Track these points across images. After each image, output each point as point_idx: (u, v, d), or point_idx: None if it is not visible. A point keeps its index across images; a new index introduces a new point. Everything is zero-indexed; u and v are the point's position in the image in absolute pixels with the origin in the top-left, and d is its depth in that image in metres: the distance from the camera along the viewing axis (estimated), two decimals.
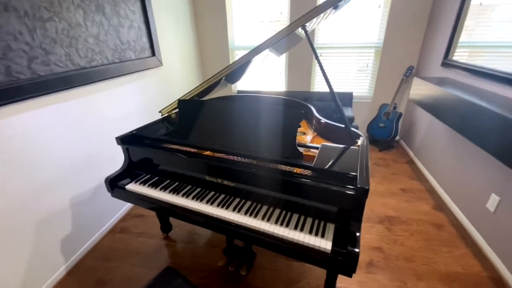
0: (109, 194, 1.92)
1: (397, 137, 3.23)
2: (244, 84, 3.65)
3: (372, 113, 3.31)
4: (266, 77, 3.54)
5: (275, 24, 3.15)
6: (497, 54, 1.88)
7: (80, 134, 1.69)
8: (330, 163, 1.12)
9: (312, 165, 1.09)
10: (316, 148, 1.32)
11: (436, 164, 2.46)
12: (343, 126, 1.53)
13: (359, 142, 1.33)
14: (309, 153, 1.30)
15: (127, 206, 2.21)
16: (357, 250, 0.92)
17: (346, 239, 1.00)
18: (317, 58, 1.33)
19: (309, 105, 1.92)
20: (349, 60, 3.16)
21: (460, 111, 1.69)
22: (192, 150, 1.37)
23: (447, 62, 2.35)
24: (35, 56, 1.38)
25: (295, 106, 2.05)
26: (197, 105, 1.43)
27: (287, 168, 1.14)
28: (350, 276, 0.96)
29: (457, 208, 2.07)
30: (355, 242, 0.95)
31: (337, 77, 3.27)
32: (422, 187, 2.46)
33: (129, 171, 1.52)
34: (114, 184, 1.44)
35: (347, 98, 3.15)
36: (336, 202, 1.04)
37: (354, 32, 3.00)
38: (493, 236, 1.67)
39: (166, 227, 1.91)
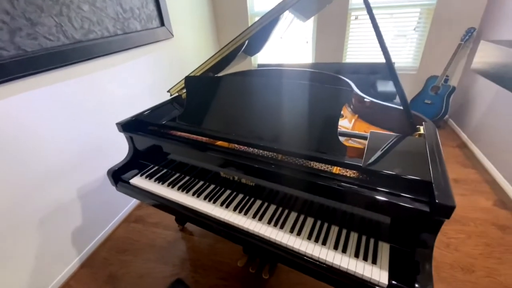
0: None
1: (446, 116, 2.75)
2: (265, 56, 3.27)
3: (416, 88, 2.81)
4: (290, 48, 3.12)
5: None
6: None
7: (83, 118, 1.51)
8: (387, 162, 0.81)
9: (361, 165, 0.79)
10: (362, 137, 1.00)
11: (498, 150, 2.01)
12: (394, 106, 1.18)
13: (422, 130, 0.99)
14: (354, 145, 0.99)
15: None
16: None
17: (406, 268, 0.73)
18: (372, 18, 0.96)
19: (347, 80, 1.56)
20: (393, 23, 2.63)
21: None
22: (204, 139, 1.12)
23: None
24: (18, 27, 1.16)
25: (332, 82, 1.68)
26: (209, 83, 1.15)
27: (326, 167, 0.85)
28: None
29: None
30: (427, 276, 0.67)
31: (376, 44, 2.77)
32: (480, 177, 2.05)
33: (135, 161, 1.33)
34: (118, 177, 1.26)
35: (386, 70, 2.67)
36: (399, 219, 0.75)
37: None
38: None
39: (182, 219, 1.76)
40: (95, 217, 1.66)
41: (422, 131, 0.99)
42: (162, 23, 2.10)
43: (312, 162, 0.88)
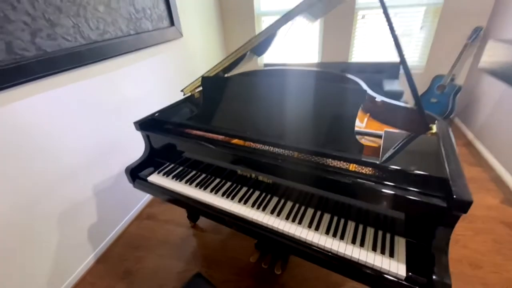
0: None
1: (452, 115, 2.76)
2: (271, 56, 3.29)
3: (422, 87, 2.83)
4: (296, 47, 3.14)
5: None
6: None
7: (97, 117, 1.54)
8: (403, 159, 0.84)
9: (378, 162, 0.82)
10: (376, 135, 1.03)
11: (505, 148, 2.03)
12: (406, 105, 1.20)
13: (435, 128, 1.02)
14: (368, 143, 1.02)
15: None
16: (449, 282, 0.68)
17: (422, 261, 0.76)
18: (387, 17, 0.98)
19: (358, 80, 1.58)
20: (398, 22, 2.64)
21: None
22: (220, 137, 1.15)
23: None
24: (39, 28, 1.19)
25: (343, 81, 1.70)
26: (225, 83, 1.18)
27: (343, 164, 0.88)
28: None
29: None
30: (444, 268, 0.70)
31: (382, 44, 2.79)
32: (486, 175, 2.07)
33: (151, 159, 1.36)
34: (135, 174, 1.29)
35: (393, 69, 2.69)
36: (416, 214, 0.78)
37: None
38: None
39: (193, 216, 1.79)
40: (109, 214, 1.70)
41: (434, 130, 1.01)
42: (172, 23, 2.12)
43: (329, 160, 0.91)
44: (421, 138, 0.96)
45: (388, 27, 0.97)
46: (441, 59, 2.65)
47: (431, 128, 1.02)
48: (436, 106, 2.67)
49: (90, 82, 1.48)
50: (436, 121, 1.05)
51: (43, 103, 1.24)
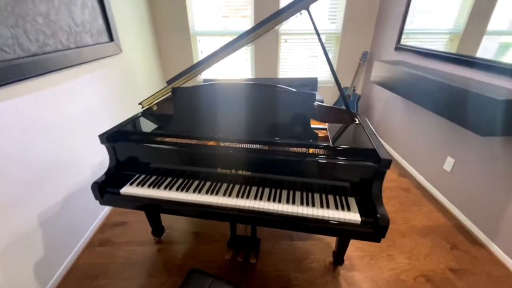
0: (79, 204, 1.67)
1: None
2: (208, 72, 3.48)
3: (334, 96, 3.56)
4: (231, 65, 3.44)
5: (242, 11, 3.05)
6: (431, 38, 2.25)
7: (38, 137, 1.38)
8: (345, 141, 1.17)
9: (333, 145, 1.12)
10: (323, 129, 1.36)
11: (394, 136, 2.81)
12: (336, 107, 1.61)
13: (357, 120, 1.42)
14: (320, 134, 1.34)
15: (101, 215, 1.93)
16: (386, 216, 1.00)
17: (368, 209, 1.08)
18: (320, 41, 1.33)
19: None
20: (306, 46, 3.27)
21: (415, 85, 2.01)
22: (202, 142, 1.26)
23: (399, 47, 2.65)
24: None
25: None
26: (195, 92, 1.31)
27: (310, 150, 1.15)
28: (379, 241, 1.05)
29: (417, 173, 2.42)
30: (383, 209, 1.03)
31: (302, 62, 3.39)
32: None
33: (118, 173, 1.32)
34: (104, 189, 1.24)
35: (313, 83, 3.30)
36: (359, 176, 1.11)
37: (320, 21, 3.12)
38: (451, 192, 2.02)
39: (158, 231, 1.75)
40: (54, 246, 1.48)
41: (357, 121, 1.42)
42: (112, 39, 2.07)
43: (294, 148, 1.17)
44: (351, 127, 1.34)
45: (323, 51, 1.32)
46: (344, 75, 3.43)
47: (356, 120, 1.43)
48: None
49: (31, 98, 1.33)
50: (357, 116, 1.46)
51: None
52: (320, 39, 1.33)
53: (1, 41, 1.16)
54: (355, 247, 1.70)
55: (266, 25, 1.28)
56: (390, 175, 2.49)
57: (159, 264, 1.60)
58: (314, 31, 1.31)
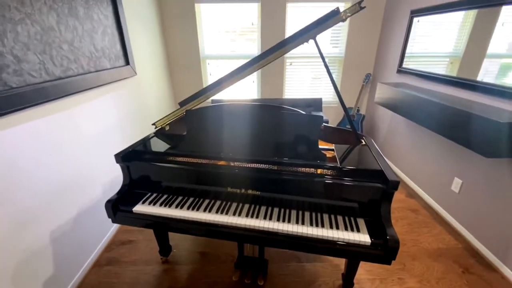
0: (89, 222, 1.69)
1: None
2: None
3: (338, 116, 3.62)
4: (238, 86, 3.55)
5: (248, 34, 3.22)
6: (432, 61, 2.33)
7: (55, 155, 1.44)
8: (352, 162, 1.20)
9: (340, 166, 1.16)
10: (330, 149, 1.40)
11: (400, 156, 2.82)
12: (342, 128, 1.65)
13: (363, 141, 1.46)
14: (328, 155, 1.37)
15: (109, 234, 1.94)
16: (396, 237, 1.01)
17: (378, 231, 1.09)
18: (326, 66, 1.41)
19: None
20: (310, 69, 3.40)
21: (417, 106, 2.07)
22: (215, 162, 1.30)
23: (401, 70, 2.74)
24: (6, 64, 1.14)
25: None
26: (207, 114, 1.37)
27: (319, 170, 1.18)
28: (390, 263, 1.04)
29: (425, 194, 2.40)
30: (392, 231, 1.04)
31: (307, 84, 3.50)
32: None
33: (130, 192, 1.36)
34: (117, 207, 1.27)
35: (317, 103, 3.38)
36: (367, 197, 1.12)
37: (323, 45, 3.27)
38: (460, 213, 2.00)
39: (165, 250, 1.74)
40: (62, 264, 1.49)
41: (364, 142, 1.46)
42: (127, 62, 2.19)
43: (302, 168, 1.20)
44: (357, 148, 1.37)
45: (328, 74, 1.39)
46: (348, 95, 3.51)
47: (362, 142, 1.47)
48: None
49: (52, 119, 1.41)
50: (363, 137, 1.50)
51: (4, 141, 1.13)
52: (326, 65, 1.41)
53: (29, 66, 1.26)
54: (364, 270, 1.67)
55: (274, 53, 1.37)
56: (398, 195, 2.48)
57: (165, 284, 1.58)
58: (318, 54, 1.38)
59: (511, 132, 1.37)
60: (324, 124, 1.73)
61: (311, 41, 1.37)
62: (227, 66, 3.39)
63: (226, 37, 3.23)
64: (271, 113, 1.31)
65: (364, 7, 1.28)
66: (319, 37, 1.36)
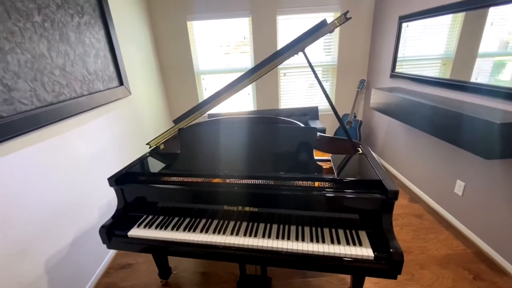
0: (86, 247, 1.65)
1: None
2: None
3: (335, 124, 3.62)
4: (234, 98, 3.57)
5: (241, 47, 3.26)
6: (425, 64, 2.34)
7: (50, 182, 1.42)
8: (350, 173, 1.17)
9: (337, 177, 1.13)
10: (326, 160, 1.37)
11: (400, 160, 2.79)
12: (339, 137, 1.63)
13: (361, 150, 1.44)
14: (324, 166, 1.35)
15: (107, 258, 1.89)
16: (400, 250, 0.97)
17: (381, 243, 1.05)
18: (317, 77, 1.41)
19: (297, 122, 2.00)
20: (305, 77, 3.42)
21: (413, 110, 2.06)
22: (208, 180, 1.27)
23: (394, 74, 2.75)
24: None
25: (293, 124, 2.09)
26: (200, 131, 1.35)
27: (316, 183, 1.15)
28: (395, 277, 1.00)
29: (428, 198, 2.36)
30: (396, 243, 1.00)
31: (302, 92, 3.51)
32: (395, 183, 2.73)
33: (125, 215, 1.33)
34: (112, 233, 1.23)
35: (313, 112, 3.38)
36: (367, 209, 1.09)
37: (314, 54, 3.30)
38: (466, 216, 1.95)
39: (165, 272, 1.69)
40: None
41: (361, 151, 1.43)
42: (121, 83, 2.21)
43: (299, 182, 1.17)
44: (354, 157, 1.35)
45: (319, 85, 1.39)
46: (344, 102, 3.52)
47: (359, 150, 1.44)
48: None
49: (45, 144, 1.40)
50: (360, 145, 1.48)
51: None
52: (316, 75, 1.40)
53: (20, 94, 1.26)
54: (372, 282, 1.61)
55: (268, 64, 1.37)
56: (401, 201, 2.43)
57: None
58: (305, 64, 1.38)
59: (508, 132, 1.35)
60: (320, 134, 1.72)
61: (301, 53, 1.38)
62: (222, 80, 3.41)
63: (220, 52, 3.27)
64: (263, 128, 1.30)
65: (350, 17, 1.29)
66: (308, 49, 1.36)
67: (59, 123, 1.50)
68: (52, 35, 1.49)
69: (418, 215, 2.22)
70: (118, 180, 1.28)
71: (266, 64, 1.38)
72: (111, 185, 1.27)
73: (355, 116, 3.46)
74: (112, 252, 1.95)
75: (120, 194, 1.32)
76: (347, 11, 1.29)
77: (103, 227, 1.22)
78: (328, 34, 1.35)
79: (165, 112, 3.35)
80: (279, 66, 3.31)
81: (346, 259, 1.02)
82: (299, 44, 1.34)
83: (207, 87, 3.45)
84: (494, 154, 1.41)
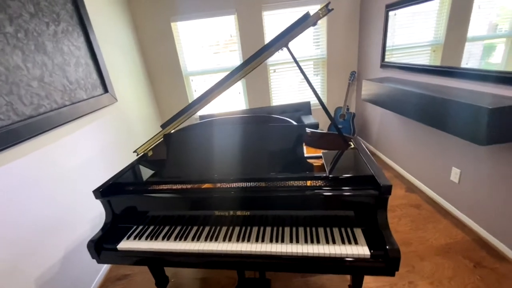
0: (80, 262, 1.61)
1: (354, 135, 3.56)
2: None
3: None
4: (225, 98, 3.52)
5: (230, 46, 3.20)
6: (414, 51, 2.31)
7: (35, 198, 1.37)
8: (342, 169, 1.14)
9: (329, 175, 1.10)
10: (317, 157, 1.34)
11: (395, 151, 2.77)
12: (330, 132, 1.60)
13: (352, 144, 1.40)
14: (315, 163, 1.31)
15: (103, 270, 1.85)
16: (397, 247, 0.94)
17: (377, 240, 1.02)
18: (302, 72, 1.37)
19: (288, 119, 1.96)
20: (296, 72, 3.37)
21: (404, 100, 2.03)
22: (197, 186, 1.24)
23: (384, 64, 2.72)
24: None
25: (279, 121, 2.05)
26: (187, 137, 1.31)
27: (308, 182, 1.12)
28: (393, 274, 0.97)
29: (425, 187, 2.34)
30: (392, 239, 0.97)
31: (293, 88, 3.47)
32: (391, 174, 2.72)
33: (115, 227, 1.29)
34: (101, 247, 1.19)
35: (306, 107, 3.34)
36: (361, 205, 1.06)
37: (304, 48, 3.25)
38: (464, 204, 1.93)
39: (162, 282, 1.65)
40: None
41: (353, 146, 1.40)
42: (106, 90, 2.15)
43: (289, 182, 1.13)
44: (346, 153, 1.32)
45: (303, 75, 1.35)
46: (336, 95, 3.49)
47: (351, 145, 1.41)
48: (343, 131, 3.40)
49: (27, 159, 1.35)
50: (352, 140, 1.45)
51: None
52: (301, 70, 1.37)
53: None
54: (372, 278, 1.59)
55: (253, 62, 1.32)
56: (398, 191, 2.41)
57: None
58: (300, 59, 1.34)
59: (501, 117, 1.32)
60: (310, 130, 1.68)
61: (285, 48, 1.34)
62: (213, 80, 3.36)
63: (209, 51, 3.21)
64: (250, 128, 1.26)
65: (332, 9, 1.25)
66: (292, 44, 1.32)
67: (41, 135, 1.45)
68: (26, 45, 1.43)
69: (415, 205, 2.20)
70: (104, 192, 1.23)
71: (251, 62, 1.34)
72: (96, 197, 1.23)
73: (348, 109, 3.43)
74: (107, 265, 1.91)
75: (108, 206, 1.28)
76: (329, 2, 1.25)
77: (91, 241, 1.18)
78: (316, 27, 1.31)
79: (155, 117, 3.29)
80: (268, 63, 3.26)
81: (342, 259, 0.99)
82: (282, 39, 1.29)
83: (198, 89, 3.39)
84: (487, 140, 1.39)
